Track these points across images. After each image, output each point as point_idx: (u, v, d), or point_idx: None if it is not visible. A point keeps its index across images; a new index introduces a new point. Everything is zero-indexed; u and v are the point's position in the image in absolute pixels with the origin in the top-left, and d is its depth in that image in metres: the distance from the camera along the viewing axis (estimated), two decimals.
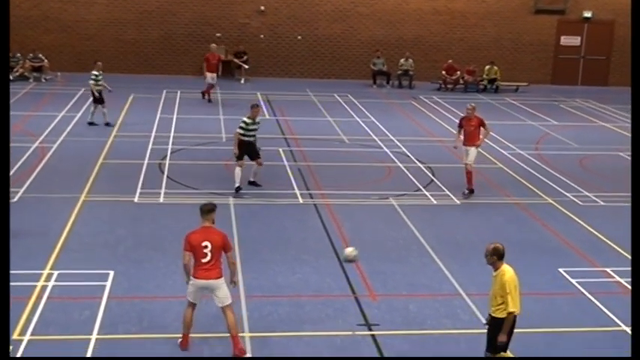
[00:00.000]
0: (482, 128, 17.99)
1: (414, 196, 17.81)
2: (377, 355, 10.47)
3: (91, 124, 23.20)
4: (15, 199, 16.20)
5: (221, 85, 31.29)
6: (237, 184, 17.13)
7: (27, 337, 10.45)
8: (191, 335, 10.45)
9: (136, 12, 33.17)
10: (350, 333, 11.04)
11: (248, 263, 13.35)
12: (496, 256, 9.42)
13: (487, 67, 33.94)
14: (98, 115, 23.30)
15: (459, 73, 33.68)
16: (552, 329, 11.44)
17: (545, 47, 36.17)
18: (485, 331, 9.67)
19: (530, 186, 18.91)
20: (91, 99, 23.45)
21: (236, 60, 33.26)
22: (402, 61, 33.65)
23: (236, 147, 17.24)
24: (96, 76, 23.06)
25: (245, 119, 17.44)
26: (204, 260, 10.08)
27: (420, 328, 11.33)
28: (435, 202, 17.40)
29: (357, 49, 34.81)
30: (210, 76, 28.08)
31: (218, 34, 33.72)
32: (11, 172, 17.90)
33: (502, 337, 9.34)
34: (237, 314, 11.03)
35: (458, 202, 17.41)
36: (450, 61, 33.78)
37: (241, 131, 17.26)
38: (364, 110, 27.71)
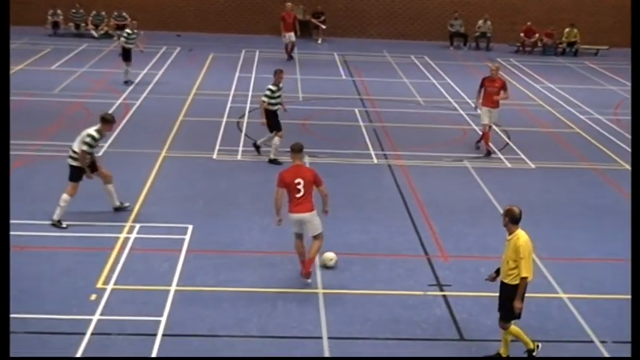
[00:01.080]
0: (502, 92, 17.62)
1: (489, 159, 17.57)
2: (448, 314, 10.47)
3: (126, 82, 22.95)
4: (100, 154, 16.56)
5: (298, 45, 31.25)
6: (272, 156, 16.40)
7: (110, 287, 10.78)
8: (266, 290, 10.60)
9: None
10: (421, 293, 11.05)
11: (322, 220, 13.40)
12: (509, 218, 9.12)
13: (567, 29, 33.04)
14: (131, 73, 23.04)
15: (537, 35, 32.90)
16: (623, 296, 11.21)
17: (627, 10, 34.93)
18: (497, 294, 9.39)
19: (607, 151, 18.46)
20: (120, 57, 23.01)
21: (314, 20, 33.15)
22: (479, 22, 33.02)
23: (264, 117, 16.48)
24: (128, 34, 22.95)
25: (270, 87, 16.55)
26: (297, 195, 10.91)
27: (491, 291, 11.24)
28: (509, 165, 17.15)
29: (434, 10, 34.28)
30: (288, 35, 28.05)
31: None
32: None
33: (518, 304, 9.00)
34: (312, 271, 11.16)
35: (532, 165, 17.13)
36: (529, 23, 32.99)
37: (267, 100, 16.41)
38: (440, 72, 27.36)
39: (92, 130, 12.92)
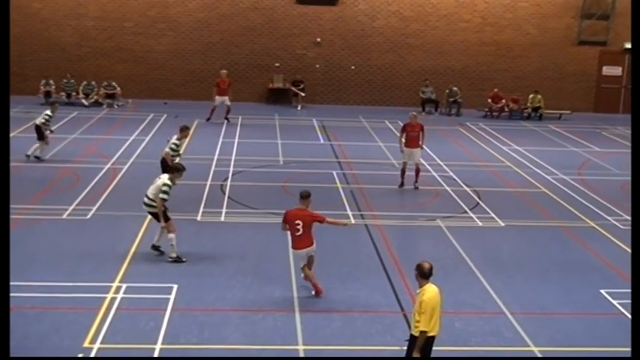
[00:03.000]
0: (421, 133, 19.97)
1: (461, 218, 17.63)
2: None
3: (37, 157, 21.39)
4: (88, 217, 16.48)
5: (279, 112, 31.57)
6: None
7: (97, 345, 10.58)
8: (249, 347, 10.45)
9: (201, 44, 33.63)
10: (398, 347, 10.92)
11: (302, 279, 13.32)
12: (418, 272, 9.22)
13: (531, 95, 33.58)
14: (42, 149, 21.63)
15: (504, 101, 33.40)
16: (594, 348, 11.16)
17: (588, 77, 35.66)
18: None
19: (572, 209, 18.58)
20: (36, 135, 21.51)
21: (293, 88, 33.48)
22: (447, 90, 33.51)
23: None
24: (49, 116, 21.78)
25: (175, 141, 17.52)
26: (297, 234, 12.33)
27: (465, 345, 11.18)
28: (480, 223, 17.20)
29: (407, 78, 34.76)
30: (221, 99, 28.64)
31: (277, 64, 34.01)
32: (85, 191, 18.25)
33: (415, 354, 9.04)
34: (291, 327, 11.03)
35: (502, 223, 17.18)
36: (496, 89, 33.52)
37: (172, 152, 17.32)
38: None
39: (167, 179, 13.86)
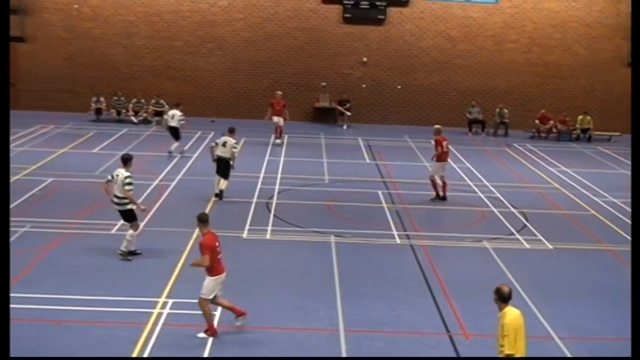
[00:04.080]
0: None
1: (507, 240, 17.43)
2: None
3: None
4: (137, 231, 16.65)
5: (325, 131, 31.67)
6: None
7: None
8: None
9: (248, 63, 33.96)
10: None
11: (347, 298, 13.31)
12: (497, 297, 9.10)
13: (580, 116, 33.14)
14: None
15: (552, 122, 33.03)
16: None
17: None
18: None
19: (622, 233, 18.24)
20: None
21: (339, 107, 33.56)
22: (497, 110, 33.29)
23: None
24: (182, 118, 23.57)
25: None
26: (219, 257, 11.60)
27: None
28: (527, 246, 16.98)
29: (453, 98, 34.61)
30: (277, 119, 28.50)
31: (323, 84, 34.16)
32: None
33: None
34: (336, 346, 10.99)
35: (550, 246, 16.94)
36: (544, 110, 33.17)
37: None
38: (460, 156, 27.41)
39: (125, 173, 14.77)
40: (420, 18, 33.99)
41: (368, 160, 26.33)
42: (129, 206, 14.97)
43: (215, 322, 11.81)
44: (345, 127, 33.22)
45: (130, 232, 14.92)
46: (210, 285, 11.49)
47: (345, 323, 12.26)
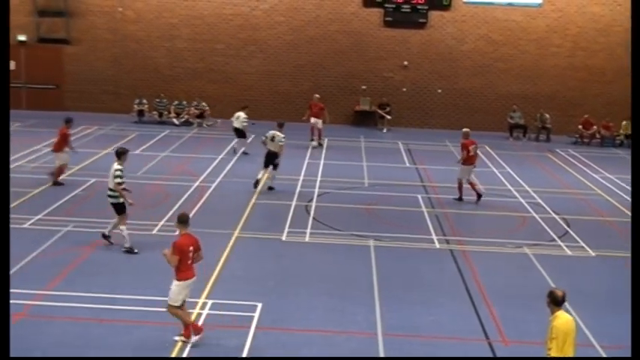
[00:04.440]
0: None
1: (549, 246, 17.24)
2: None
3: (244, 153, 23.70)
4: (177, 233, 16.77)
5: (365, 134, 31.64)
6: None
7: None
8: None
9: (290, 66, 34.09)
10: None
11: (385, 302, 13.28)
12: (550, 300, 9.04)
13: (624, 122, 32.60)
14: None
15: (595, 127, 32.58)
16: None
17: None
18: None
19: None
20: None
21: (379, 111, 33.51)
22: (537, 115, 32.92)
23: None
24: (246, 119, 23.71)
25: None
26: (189, 262, 11.22)
27: None
28: (569, 252, 16.77)
29: (494, 103, 34.32)
30: (314, 121, 28.61)
31: (363, 87, 34.13)
32: (174, 208, 18.65)
33: None
34: (374, 350, 10.95)
35: (592, 253, 16.71)
36: (587, 115, 32.74)
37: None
38: (500, 161, 27.20)
39: (116, 165, 15.29)
40: (462, 21, 33.79)
41: (408, 164, 26.24)
42: (121, 199, 15.43)
43: (194, 318, 11.82)
44: (385, 130, 33.16)
45: (122, 227, 15.45)
46: (176, 290, 11.18)
47: (384, 327, 12.23)
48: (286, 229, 17.45)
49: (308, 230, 17.50)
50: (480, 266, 15.51)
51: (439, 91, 34.31)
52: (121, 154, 15.59)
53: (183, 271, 11.16)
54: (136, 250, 15.33)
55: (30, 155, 23.76)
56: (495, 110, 34.23)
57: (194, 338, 11.24)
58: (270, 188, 20.99)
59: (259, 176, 21.04)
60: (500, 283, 14.62)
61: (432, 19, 33.72)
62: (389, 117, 33.38)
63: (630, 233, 10.10)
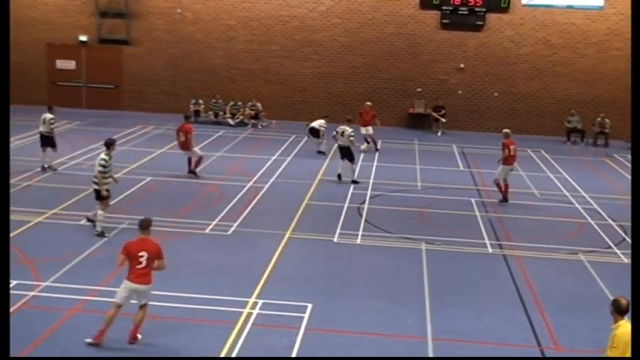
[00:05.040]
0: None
1: (605, 253, 16.88)
2: None
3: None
4: (229, 232, 16.98)
5: (419, 137, 31.47)
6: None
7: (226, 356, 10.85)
8: None
9: (344, 68, 34.09)
10: None
11: (436, 306, 13.17)
12: (614, 308, 8.88)
13: None
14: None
15: None
16: None
17: None
18: None
19: None
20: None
21: (434, 114, 33.28)
22: (598, 119, 32.29)
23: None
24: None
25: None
26: (138, 267, 10.88)
27: None
28: (626, 260, 16.39)
29: (552, 107, 33.77)
30: (365, 129, 28.10)
31: (419, 89, 33.94)
32: (227, 208, 18.82)
33: None
34: (424, 354, 10.88)
35: None
36: None
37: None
38: (556, 166, 26.76)
39: (103, 155, 16.00)
40: (520, 24, 33.35)
41: (462, 168, 25.99)
42: (105, 186, 16.12)
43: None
44: (439, 133, 32.90)
45: (100, 212, 16.06)
46: (121, 288, 11.02)
47: (434, 331, 12.13)
48: (338, 231, 17.44)
49: (360, 232, 17.46)
50: (533, 272, 15.28)
51: (495, 94, 33.90)
52: (109, 145, 16.36)
53: (132, 273, 10.95)
54: (107, 235, 15.94)
55: (88, 154, 24.21)
56: (552, 114, 33.69)
57: (88, 340, 10.95)
58: (355, 182, 22.09)
59: (340, 170, 22.36)
60: (554, 290, 14.37)
61: (490, 21, 33.35)
62: (444, 120, 33.12)
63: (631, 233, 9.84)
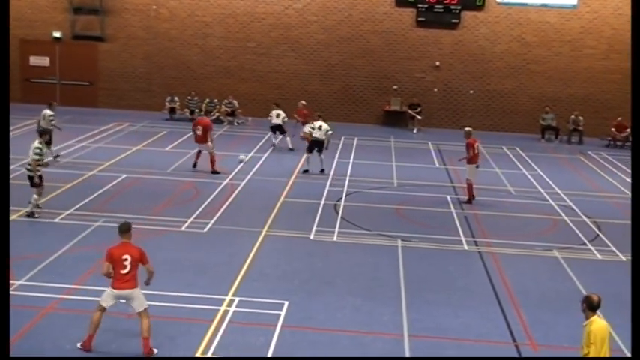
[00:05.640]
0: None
1: (579, 249, 17.03)
2: None
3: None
4: (205, 230, 16.90)
5: (395, 134, 31.54)
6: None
7: (209, 356, 10.80)
8: None
9: (321, 65, 34.07)
10: None
11: (413, 303, 13.21)
12: (586, 305, 8.95)
13: None
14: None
15: (628, 130, 32.12)
16: None
17: None
18: None
19: None
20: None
21: (410, 111, 33.37)
22: (571, 117, 32.56)
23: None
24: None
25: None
26: (123, 272, 10.62)
27: None
28: (600, 257, 16.55)
29: (526, 104, 34.01)
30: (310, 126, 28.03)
31: (395, 87, 34.00)
32: (203, 205, 18.73)
33: None
34: (400, 351, 10.90)
35: (624, 258, 16.47)
36: (620, 118, 32.30)
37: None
38: (531, 163, 26.94)
39: (37, 144, 16.78)
40: (495, 22, 33.53)
41: (438, 165, 26.09)
42: (38, 173, 16.89)
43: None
44: (415, 131, 33.01)
45: (35, 196, 17.03)
46: (105, 294, 10.83)
47: (410, 328, 12.15)
48: (314, 228, 17.43)
49: (336, 229, 17.46)
50: (508, 269, 15.37)
51: (471, 92, 34.07)
52: (42, 134, 17.73)
53: (117, 279, 10.68)
54: (36, 215, 16.93)
55: (62, 150, 23.97)
56: (527, 112, 33.92)
57: (78, 345, 10.77)
58: (322, 171, 23.25)
59: (306, 166, 23.30)
60: (529, 286, 14.47)
61: (465, 19, 33.51)
62: (420, 117, 33.23)
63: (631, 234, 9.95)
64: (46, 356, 10.58)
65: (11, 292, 12.64)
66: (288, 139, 26.95)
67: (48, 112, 22.86)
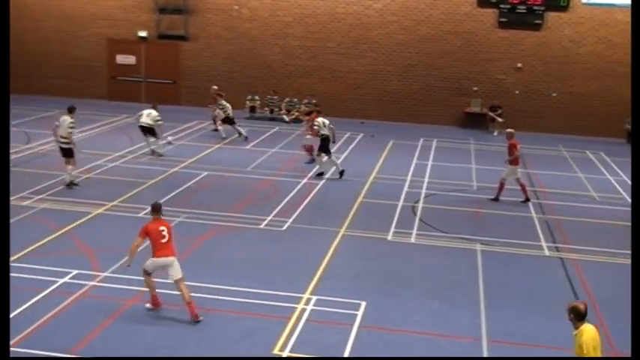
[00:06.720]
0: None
1: None
2: None
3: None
4: (284, 228, 17.08)
5: (474, 136, 31.17)
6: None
7: (285, 354, 10.94)
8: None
9: (400, 65, 33.94)
10: None
11: (491, 308, 13.06)
12: (573, 315, 8.75)
13: None
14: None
15: None
16: None
17: None
18: None
19: None
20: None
21: (490, 113, 32.92)
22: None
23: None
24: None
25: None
26: (163, 241, 11.75)
27: None
28: None
29: (611, 108, 33.07)
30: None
31: (475, 88, 33.60)
32: (282, 204, 18.93)
33: None
34: (478, 355, 10.80)
35: None
36: None
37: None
38: (616, 168, 26.23)
39: (70, 119, 18.97)
40: (580, 23, 32.77)
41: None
42: (71, 145, 19.10)
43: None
44: (495, 133, 32.52)
45: (70, 167, 19.11)
46: (150, 264, 11.95)
47: (488, 333, 12.03)
48: (392, 229, 17.40)
49: (414, 231, 17.40)
50: (590, 276, 15.03)
51: (554, 94, 33.37)
52: (72, 110, 19.31)
53: (158, 249, 11.76)
54: (76, 182, 19.30)
55: (147, 147, 24.56)
56: (612, 115, 33.01)
57: (147, 305, 12.13)
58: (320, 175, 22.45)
59: (340, 167, 22.56)
60: (612, 295, 14.12)
61: (549, 20, 32.85)
62: (500, 119, 32.73)
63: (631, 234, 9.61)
64: (55, 356, 10.77)
65: (96, 284, 13.09)
66: (239, 128, 27.75)
67: (154, 112, 24.21)
